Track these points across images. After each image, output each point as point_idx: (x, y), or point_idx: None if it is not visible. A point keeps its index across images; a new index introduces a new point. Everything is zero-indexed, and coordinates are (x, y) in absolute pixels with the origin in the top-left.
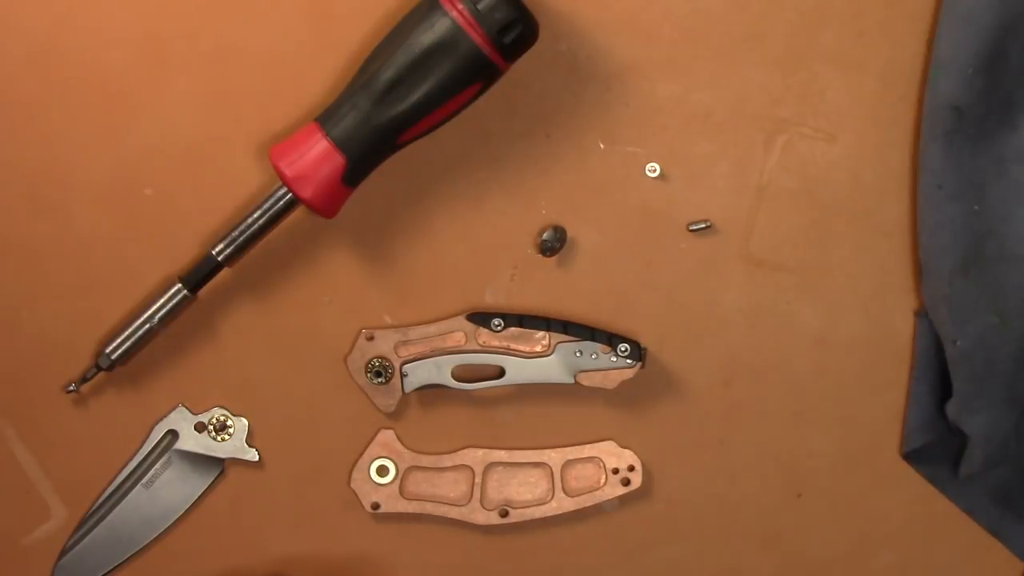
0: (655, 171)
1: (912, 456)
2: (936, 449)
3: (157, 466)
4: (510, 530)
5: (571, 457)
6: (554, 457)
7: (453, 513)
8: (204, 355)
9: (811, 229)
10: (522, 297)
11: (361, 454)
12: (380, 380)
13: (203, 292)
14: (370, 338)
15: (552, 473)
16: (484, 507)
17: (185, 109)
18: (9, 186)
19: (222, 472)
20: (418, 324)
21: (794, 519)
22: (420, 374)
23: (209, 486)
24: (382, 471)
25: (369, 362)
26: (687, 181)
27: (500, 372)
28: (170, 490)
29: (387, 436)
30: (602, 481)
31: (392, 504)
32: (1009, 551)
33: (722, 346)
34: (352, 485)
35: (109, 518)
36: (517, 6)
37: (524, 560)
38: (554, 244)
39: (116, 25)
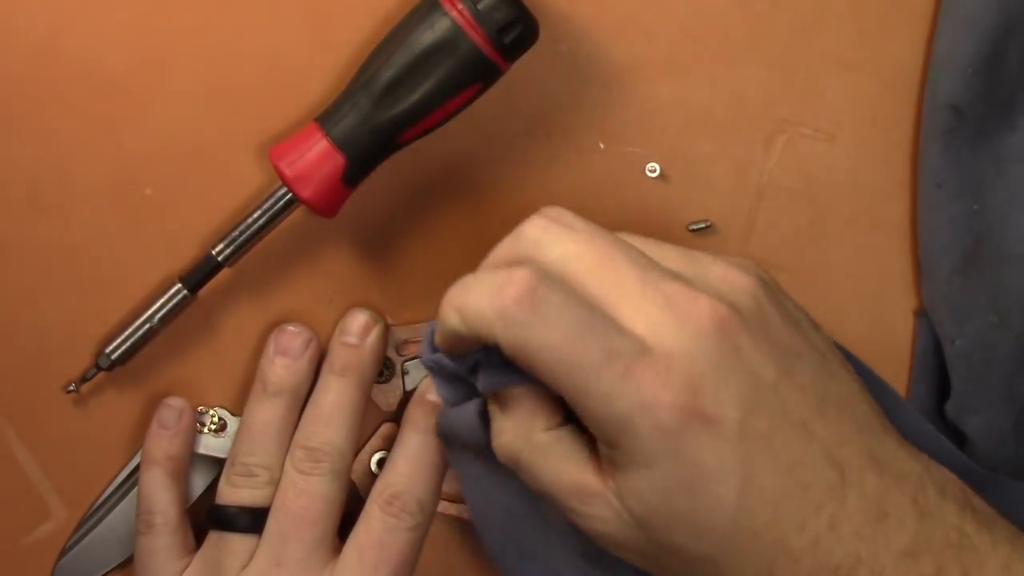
0: (655, 171)
1: None
2: None
3: None
4: None
5: None
6: None
7: (451, 510)
8: (204, 355)
9: (811, 229)
10: None
11: (362, 447)
12: (381, 379)
13: (203, 292)
14: None
15: None
16: None
17: (185, 109)
18: (9, 186)
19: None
20: (419, 322)
21: None
22: (422, 372)
23: (209, 486)
24: (382, 464)
25: None
26: (687, 181)
27: None
28: None
29: (389, 429)
30: None
31: None
32: None
33: None
34: (352, 477)
35: (109, 518)
36: (517, 6)
37: None
38: None
39: (116, 25)
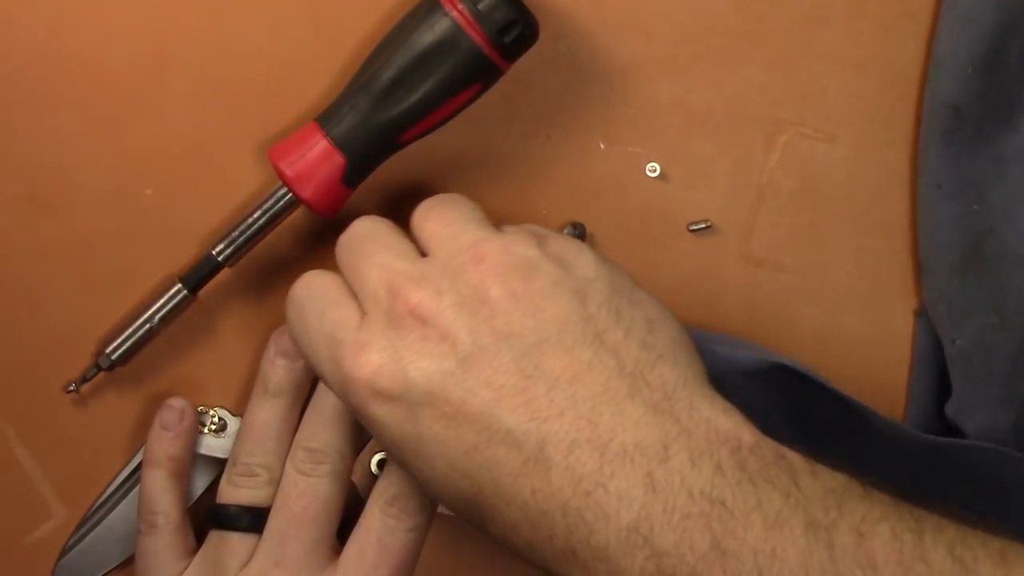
0: (655, 171)
1: None
2: None
3: None
4: None
5: None
6: None
7: None
8: (204, 355)
9: (811, 229)
10: None
11: (362, 448)
12: None
13: (203, 292)
14: None
15: None
16: None
17: (185, 109)
18: (9, 186)
19: (222, 472)
20: None
21: None
22: None
23: (209, 486)
24: (383, 465)
25: None
26: (687, 181)
27: None
28: None
29: None
30: None
31: None
32: None
33: None
34: (353, 478)
35: (109, 518)
36: (517, 6)
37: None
38: None
39: (116, 25)
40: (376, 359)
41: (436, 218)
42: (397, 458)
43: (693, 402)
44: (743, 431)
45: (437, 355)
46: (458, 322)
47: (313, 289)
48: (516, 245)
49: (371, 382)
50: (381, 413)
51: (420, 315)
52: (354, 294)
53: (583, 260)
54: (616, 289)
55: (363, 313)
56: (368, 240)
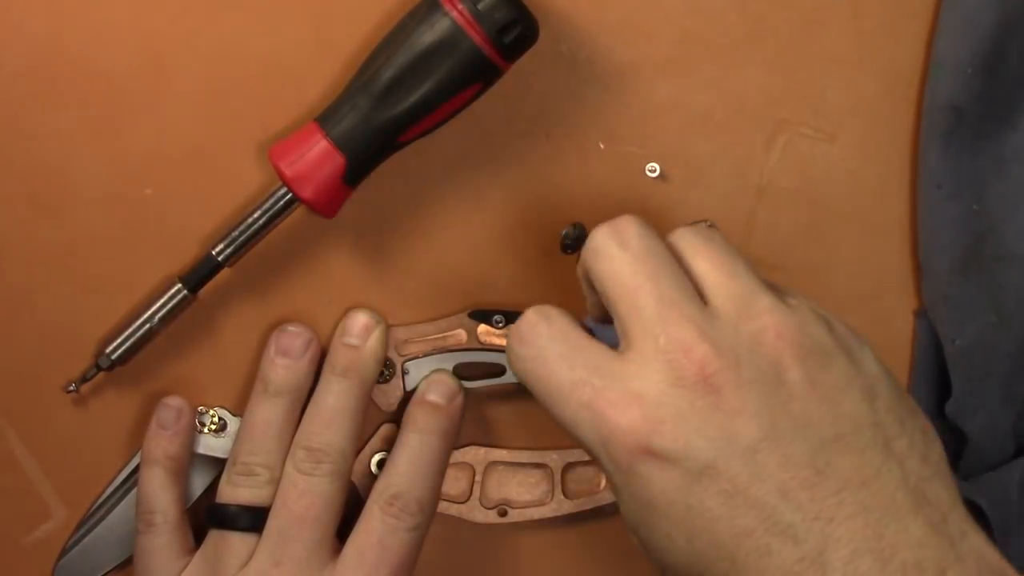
0: (655, 171)
1: None
2: None
3: None
4: (508, 529)
5: (572, 459)
6: (555, 459)
7: (452, 510)
8: (204, 355)
9: (811, 229)
10: (524, 296)
11: (362, 447)
12: (382, 379)
13: (203, 292)
14: None
15: (553, 474)
16: (483, 505)
17: (185, 109)
18: (9, 186)
19: (222, 472)
20: (419, 322)
21: None
22: (422, 372)
23: (209, 486)
24: (383, 465)
25: None
26: (687, 181)
27: (503, 370)
28: None
29: (389, 430)
30: (602, 484)
31: None
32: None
33: None
34: (352, 478)
35: (109, 518)
36: (517, 6)
37: (521, 559)
38: (576, 242)
39: (116, 25)
40: (654, 415)
41: (713, 261)
42: (636, 517)
43: (963, 527)
44: (1006, 566)
45: (729, 430)
46: (755, 400)
47: (547, 330)
48: (811, 326)
49: (645, 439)
50: (648, 472)
51: (715, 385)
52: (595, 320)
53: (866, 355)
54: (897, 393)
55: (621, 349)
56: (651, 258)
